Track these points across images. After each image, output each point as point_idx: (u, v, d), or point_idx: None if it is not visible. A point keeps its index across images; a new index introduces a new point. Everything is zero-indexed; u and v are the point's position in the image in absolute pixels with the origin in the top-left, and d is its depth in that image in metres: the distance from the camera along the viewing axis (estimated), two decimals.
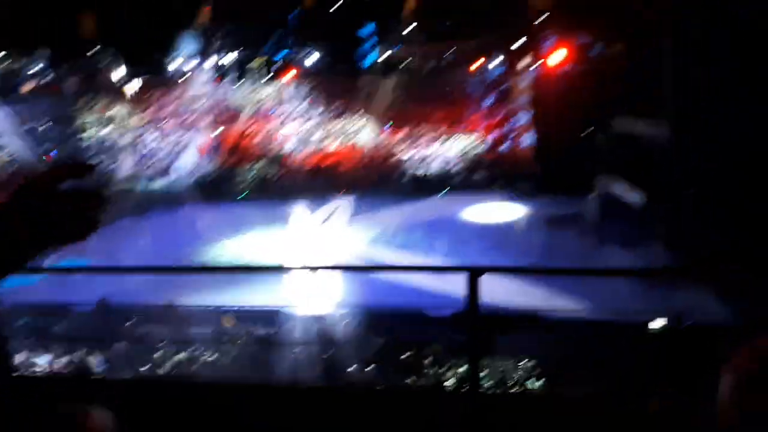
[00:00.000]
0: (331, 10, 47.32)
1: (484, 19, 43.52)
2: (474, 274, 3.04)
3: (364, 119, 40.66)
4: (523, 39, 41.70)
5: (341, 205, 31.77)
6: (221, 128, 41.41)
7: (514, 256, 22.16)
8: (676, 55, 20.92)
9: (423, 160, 36.17)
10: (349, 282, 19.99)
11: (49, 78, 43.61)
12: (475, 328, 3.25)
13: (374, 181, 34.75)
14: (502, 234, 26.29)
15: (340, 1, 46.92)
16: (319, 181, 35.05)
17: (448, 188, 33.56)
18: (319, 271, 22.53)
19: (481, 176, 33.76)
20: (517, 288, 17.23)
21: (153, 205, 33.07)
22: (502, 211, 29.77)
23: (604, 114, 28.29)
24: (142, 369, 13.63)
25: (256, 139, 40.50)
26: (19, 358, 13.18)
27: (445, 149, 36.56)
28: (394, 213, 29.79)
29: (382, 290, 18.03)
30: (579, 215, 26.55)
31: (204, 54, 47.48)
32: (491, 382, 12.56)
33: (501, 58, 41.82)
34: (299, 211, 29.49)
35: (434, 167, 35.40)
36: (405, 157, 36.61)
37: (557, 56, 39.88)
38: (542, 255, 23.60)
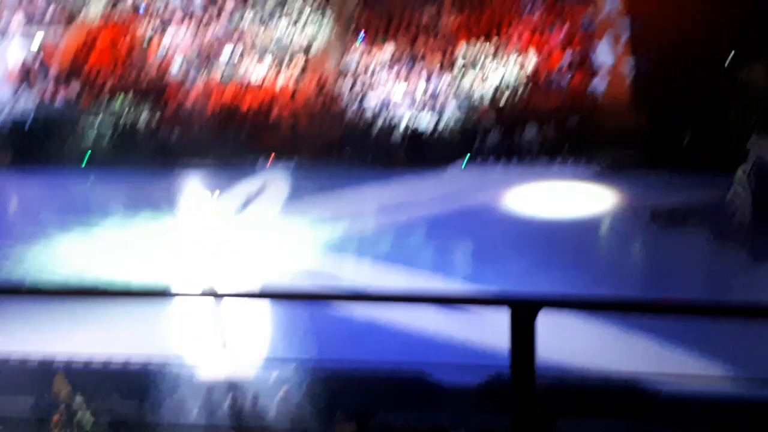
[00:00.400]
0: None
1: None
2: (522, 309, 3.12)
3: (316, 23, 40.73)
4: None
5: (273, 180, 32.04)
6: (46, 35, 41.20)
7: (593, 279, 22.50)
8: None
9: (426, 100, 36.40)
10: (290, 319, 20.10)
11: None
12: (525, 404, 3.33)
13: (333, 139, 34.89)
14: (572, 239, 26.64)
15: None
16: (232, 135, 35.11)
17: (472, 154, 33.88)
18: (233, 298, 22.47)
19: (534, 134, 34.10)
20: (599, 336, 17.55)
21: None
22: (571, 198, 30.16)
23: (754, 33, 28.75)
24: None
25: (114, 56, 40.39)
26: None
27: (468, 82, 36.85)
28: (373, 196, 29.99)
29: (352, 335, 18.22)
30: (713, 208, 27.05)
31: None
32: None
33: None
34: (195, 188, 29.54)
35: (446, 115, 35.64)
36: (392, 96, 36.79)
37: None
38: (645, 278, 24.00)
